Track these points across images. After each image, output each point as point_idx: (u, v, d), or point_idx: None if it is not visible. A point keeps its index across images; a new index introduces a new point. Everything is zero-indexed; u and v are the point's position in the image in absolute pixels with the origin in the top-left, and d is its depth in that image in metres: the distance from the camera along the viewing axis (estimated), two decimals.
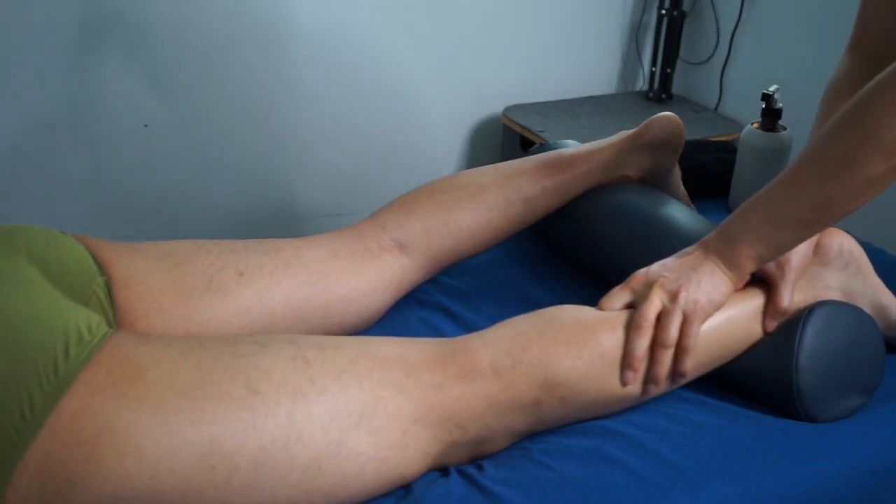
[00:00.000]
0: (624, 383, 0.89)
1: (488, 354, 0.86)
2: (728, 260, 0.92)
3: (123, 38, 1.89)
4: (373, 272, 1.07)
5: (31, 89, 1.85)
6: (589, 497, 0.80)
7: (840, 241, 1.02)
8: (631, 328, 0.89)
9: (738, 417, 0.93)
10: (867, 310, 1.00)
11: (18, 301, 0.77)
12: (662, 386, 0.91)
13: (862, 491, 0.89)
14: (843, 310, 0.96)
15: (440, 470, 0.85)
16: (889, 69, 0.80)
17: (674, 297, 0.90)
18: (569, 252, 1.27)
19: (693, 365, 0.92)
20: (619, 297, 0.94)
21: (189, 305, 0.94)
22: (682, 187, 1.34)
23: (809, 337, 0.92)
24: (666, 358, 0.89)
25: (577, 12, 2.33)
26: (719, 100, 2.34)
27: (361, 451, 0.78)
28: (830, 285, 1.00)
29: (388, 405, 0.80)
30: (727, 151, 1.53)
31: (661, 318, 0.90)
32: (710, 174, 1.48)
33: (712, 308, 0.92)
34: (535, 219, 1.21)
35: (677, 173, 1.32)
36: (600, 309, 0.94)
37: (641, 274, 0.95)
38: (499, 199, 1.16)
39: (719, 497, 0.82)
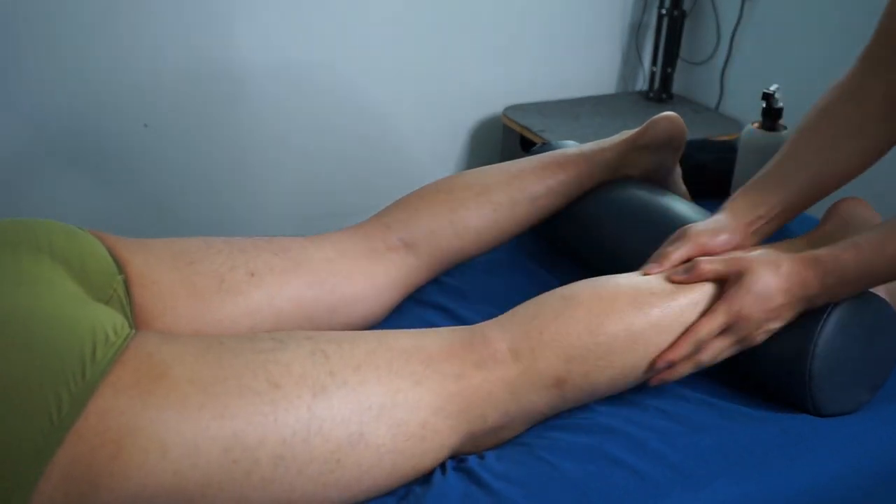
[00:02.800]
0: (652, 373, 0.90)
1: (506, 340, 0.86)
2: (821, 292, 0.89)
3: (124, 37, 1.89)
4: (379, 272, 1.07)
5: (33, 89, 1.85)
6: (589, 496, 0.80)
7: (860, 209, 1.02)
8: (685, 335, 0.89)
9: (739, 417, 0.93)
10: None
11: (44, 302, 0.77)
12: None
13: (862, 491, 0.89)
14: (867, 300, 0.95)
15: (441, 465, 0.85)
16: None
17: (735, 325, 0.89)
18: (572, 252, 1.27)
19: None
20: (712, 266, 0.92)
21: (200, 305, 0.94)
22: (682, 186, 1.34)
23: (831, 326, 0.91)
24: (687, 368, 0.90)
25: (577, 12, 2.33)
26: (720, 99, 2.34)
27: (381, 444, 0.78)
28: None
29: (408, 396, 0.80)
30: (728, 151, 1.53)
31: (712, 338, 0.89)
32: (711, 174, 1.48)
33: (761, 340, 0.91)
34: (540, 218, 1.21)
35: (678, 173, 1.33)
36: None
37: (736, 261, 0.91)
38: (504, 198, 1.16)
39: (719, 497, 0.82)
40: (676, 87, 2.44)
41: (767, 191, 1.00)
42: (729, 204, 1.02)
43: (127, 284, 0.91)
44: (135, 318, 0.91)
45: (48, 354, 0.71)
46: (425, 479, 0.83)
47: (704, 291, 0.92)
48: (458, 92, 2.29)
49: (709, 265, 0.92)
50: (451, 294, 1.18)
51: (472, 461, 0.84)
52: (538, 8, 2.27)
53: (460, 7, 2.18)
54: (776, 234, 1.06)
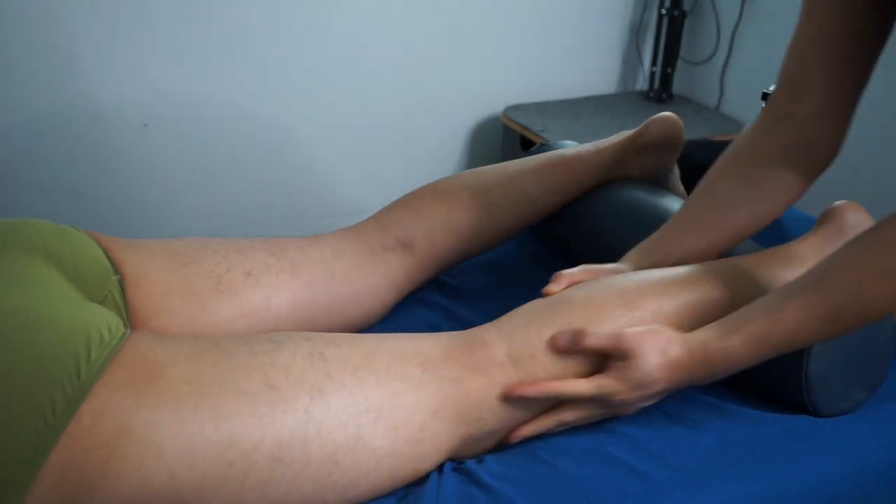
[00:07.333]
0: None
1: (504, 344, 0.86)
2: (704, 378, 0.85)
3: (124, 37, 1.89)
4: (377, 272, 1.07)
5: (32, 88, 1.85)
6: (589, 497, 0.80)
7: (856, 215, 1.02)
8: (549, 385, 0.83)
9: (739, 417, 0.93)
10: None
11: (38, 303, 0.77)
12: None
13: (862, 491, 0.89)
14: None
15: (439, 467, 0.85)
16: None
17: (606, 402, 0.84)
18: (570, 251, 1.27)
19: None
20: (598, 341, 0.85)
21: (196, 306, 0.94)
22: (681, 187, 1.34)
23: None
24: (547, 423, 0.86)
25: (577, 12, 2.33)
26: (720, 99, 2.34)
27: (378, 446, 0.78)
28: None
29: (406, 399, 0.80)
30: None
31: (574, 406, 0.85)
32: None
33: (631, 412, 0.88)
34: (538, 218, 1.21)
35: (676, 173, 1.33)
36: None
37: (625, 339, 0.83)
38: (501, 198, 1.16)
39: (719, 497, 0.82)
40: (676, 87, 2.44)
41: (664, 242, 0.99)
42: (627, 254, 1.01)
43: (122, 285, 0.91)
44: (130, 319, 0.90)
45: (42, 355, 0.71)
46: (423, 479, 0.83)
47: (700, 299, 0.91)
48: (458, 92, 2.29)
49: (594, 340, 0.84)
50: (451, 294, 1.19)
51: (471, 464, 0.84)
52: (538, 8, 2.27)
53: (460, 7, 2.18)
54: (775, 235, 1.05)
